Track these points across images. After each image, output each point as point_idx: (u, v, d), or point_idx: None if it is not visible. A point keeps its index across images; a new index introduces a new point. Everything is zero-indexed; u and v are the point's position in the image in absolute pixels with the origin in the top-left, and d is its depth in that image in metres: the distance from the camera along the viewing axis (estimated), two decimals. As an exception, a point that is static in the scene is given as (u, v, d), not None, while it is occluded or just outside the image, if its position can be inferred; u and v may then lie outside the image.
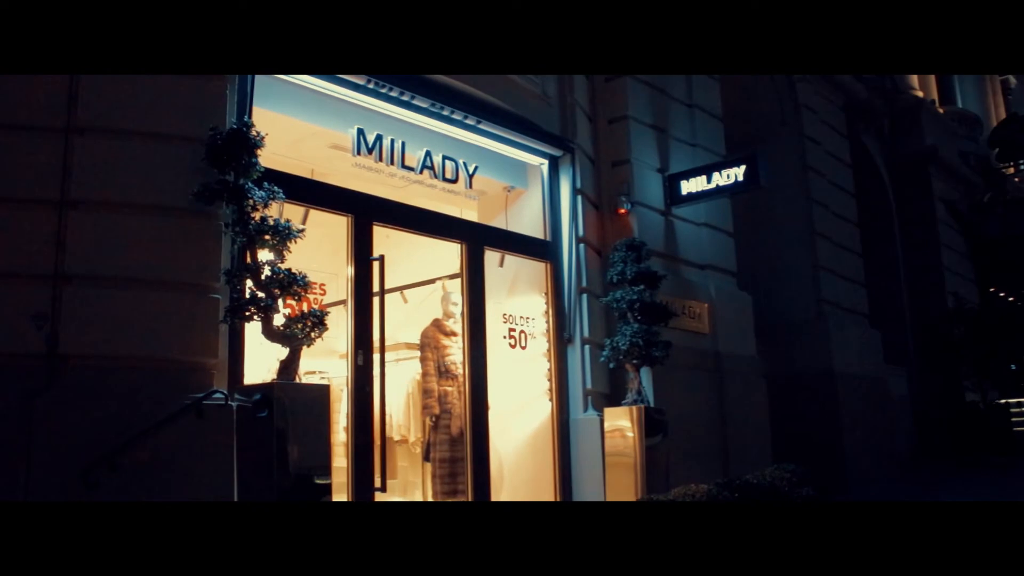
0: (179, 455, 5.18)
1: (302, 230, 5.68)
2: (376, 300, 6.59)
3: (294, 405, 5.29)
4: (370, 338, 6.50)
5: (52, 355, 5.20)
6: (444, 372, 7.82)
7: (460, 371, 7.72)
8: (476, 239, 7.54)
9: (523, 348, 7.93)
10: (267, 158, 6.26)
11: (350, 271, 6.54)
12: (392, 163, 6.99)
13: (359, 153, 6.78)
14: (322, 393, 5.51)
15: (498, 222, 8.34)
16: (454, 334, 7.86)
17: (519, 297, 8.23)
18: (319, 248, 7.16)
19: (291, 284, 5.49)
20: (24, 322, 5.16)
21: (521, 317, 7.97)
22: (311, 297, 6.43)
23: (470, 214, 8.24)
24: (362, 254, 6.58)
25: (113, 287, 5.35)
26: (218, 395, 5.37)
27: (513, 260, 8.21)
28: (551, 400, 7.97)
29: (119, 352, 5.29)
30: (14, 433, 5.00)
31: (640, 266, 7.95)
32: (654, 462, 7.47)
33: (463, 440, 7.61)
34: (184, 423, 5.21)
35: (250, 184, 5.49)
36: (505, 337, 7.84)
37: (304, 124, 6.61)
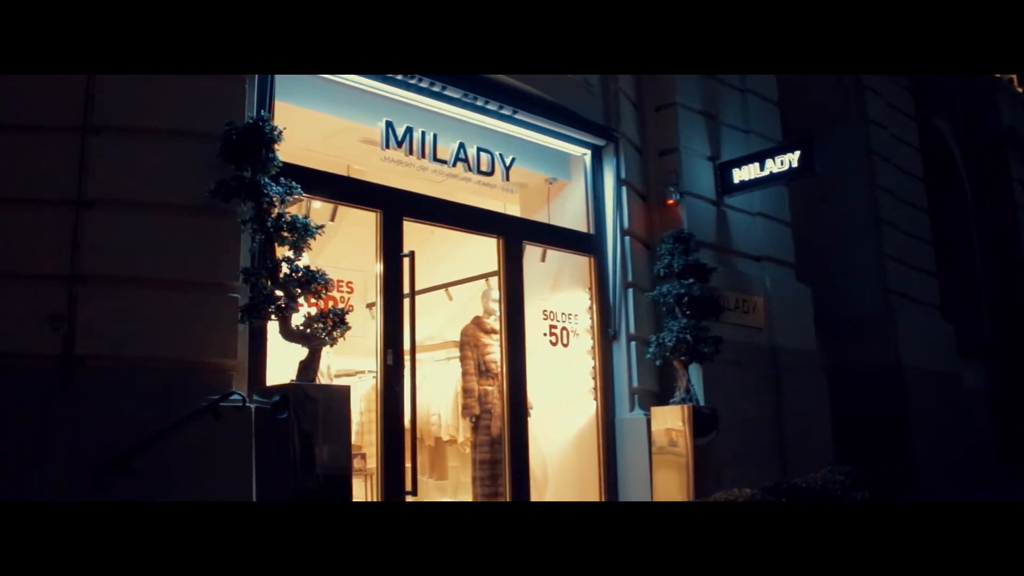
0: (196, 457, 5.02)
1: (321, 226, 5.49)
2: (406, 298, 6.38)
3: (313, 406, 5.10)
4: (400, 337, 6.28)
5: (68, 356, 5.11)
6: (484, 371, 7.58)
7: (500, 368, 7.48)
8: (513, 233, 7.27)
9: (565, 345, 7.64)
10: (295, 154, 6.13)
11: (379, 268, 6.34)
12: (423, 156, 6.76)
13: (388, 147, 6.56)
14: (343, 394, 5.30)
15: (540, 216, 8.07)
16: (495, 332, 7.61)
17: (562, 293, 7.94)
18: (352, 245, 7.00)
19: (309, 282, 5.30)
20: (40, 323, 5.06)
21: (563, 314, 7.67)
22: (337, 295, 6.24)
23: (510, 208, 7.98)
24: (392, 250, 6.36)
25: (128, 287, 5.22)
26: (235, 397, 5.20)
27: (555, 255, 7.93)
28: (596, 399, 7.67)
29: (135, 353, 5.15)
30: (29, 435, 4.90)
31: (688, 258, 7.59)
32: (704, 463, 7.11)
33: (499, 441, 7.38)
34: (200, 425, 5.05)
35: (267, 180, 5.32)
36: (545, 334, 7.56)
37: (332, 119, 6.42)
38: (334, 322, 5.36)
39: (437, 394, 8.96)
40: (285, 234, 5.30)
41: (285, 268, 5.29)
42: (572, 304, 7.85)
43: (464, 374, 7.65)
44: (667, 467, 7.21)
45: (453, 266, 8.40)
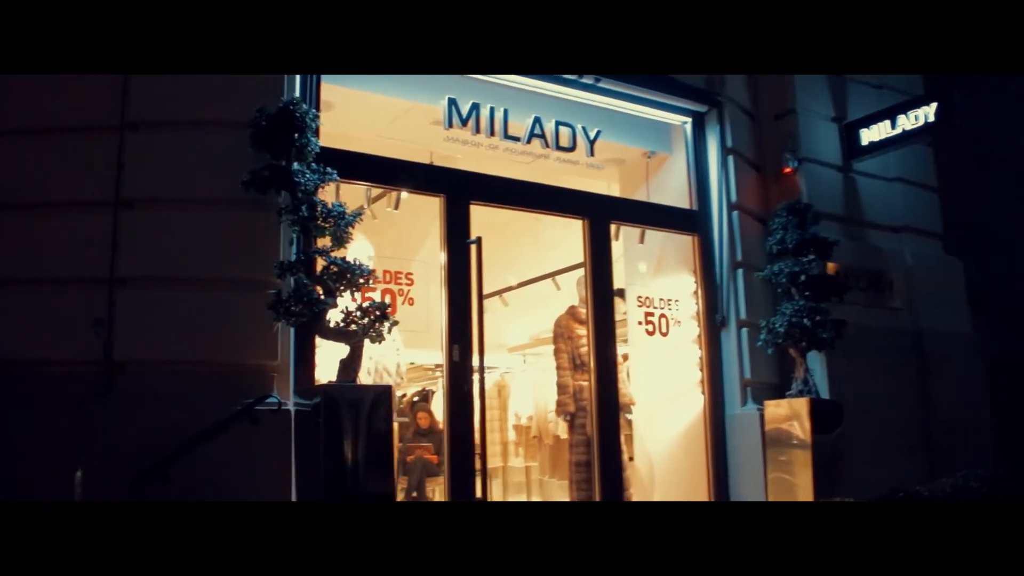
0: (232, 463, 4.73)
1: (359, 214, 5.09)
2: (474, 289, 5.88)
3: (346, 408, 4.71)
4: (468, 331, 5.80)
5: (108, 362, 4.95)
6: (580, 365, 6.99)
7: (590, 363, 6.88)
8: (600, 213, 6.63)
9: (664, 334, 6.92)
10: (350, 140, 5.79)
11: (443, 257, 5.89)
12: (492, 134, 6.25)
13: (451, 125, 6.09)
14: (384, 394, 4.87)
15: (640, 194, 7.38)
16: (647, 322, 7.02)
17: (664, 277, 7.24)
18: (422, 234, 6.60)
19: (344, 275, 4.91)
20: (80, 328, 4.93)
21: (661, 300, 6.95)
22: (395, 288, 5.83)
23: (601, 187, 7.35)
24: (457, 237, 5.89)
25: (166, 288, 5.01)
26: (271, 400, 4.88)
27: (657, 236, 7.25)
28: (703, 393, 6.92)
29: (174, 356, 4.93)
30: (68, 444, 4.76)
31: (804, 232, 6.70)
32: (825, 463, 6.24)
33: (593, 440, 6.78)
34: (237, 430, 4.76)
35: (300, 167, 4.96)
36: (640, 323, 6.87)
37: (390, 100, 6.02)
38: (375, 317, 4.95)
39: (542, 392, 8.52)
40: (320, 224, 4.94)
41: (321, 261, 4.94)
42: (674, 289, 7.12)
43: (558, 368, 7.09)
44: (784, 467, 6.38)
45: (562, 253, 7.90)
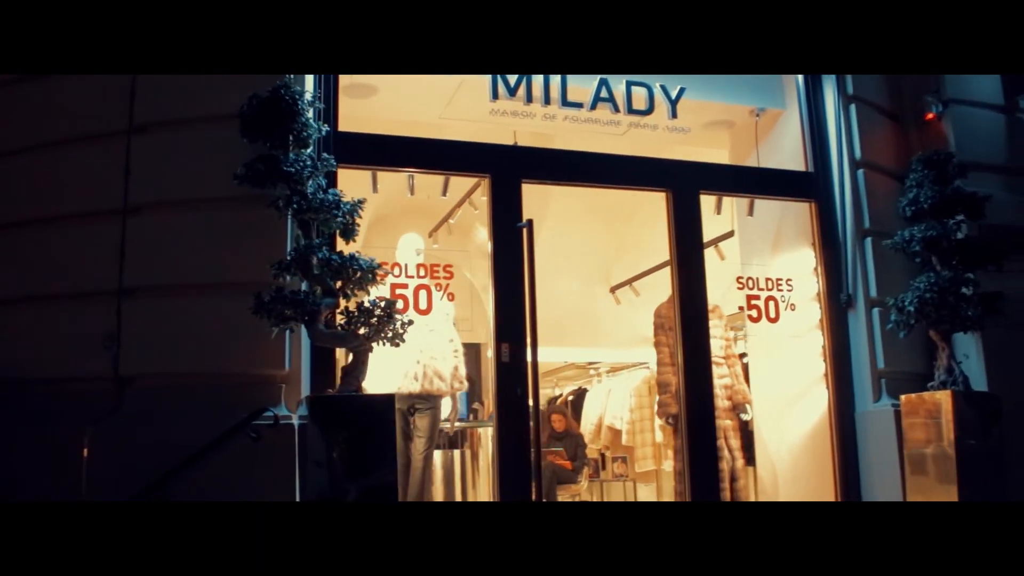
0: (233, 479, 4.35)
1: (361, 201, 4.59)
2: (526, 279, 5.21)
3: (340, 420, 4.22)
4: (521, 327, 5.14)
5: (116, 378, 4.74)
6: (683, 359, 6.14)
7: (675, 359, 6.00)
8: (684, 183, 5.71)
9: (772, 320, 5.89)
10: (399, 125, 5.38)
11: (489, 245, 5.27)
12: (548, 102, 5.53)
13: (497, 97, 5.45)
14: (385, 405, 4.33)
15: (752, 159, 6.39)
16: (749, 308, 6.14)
17: (783, 253, 6.21)
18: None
19: (342, 271, 4.41)
20: (88, 343, 4.76)
21: (768, 280, 5.92)
22: (431, 283, 5.26)
23: (700, 154, 6.42)
24: (505, 221, 5.25)
25: (171, 296, 4.73)
26: (268, 413, 4.46)
27: (771, 207, 6.24)
28: (828, 387, 5.84)
29: (179, 369, 4.64)
30: (79, 462, 4.58)
31: (945, 188, 5.48)
32: (976, 467, 5.04)
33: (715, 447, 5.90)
34: (238, 445, 4.40)
35: (294, 155, 4.52)
36: (743, 309, 5.89)
37: (438, 78, 5.46)
38: (380, 319, 4.41)
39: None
40: (313, 216, 4.48)
41: (318, 257, 4.46)
42: (789, 267, 6.08)
43: (658, 364, 6.27)
44: (925, 472, 5.22)
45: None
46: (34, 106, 5.11)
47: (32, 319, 4.91)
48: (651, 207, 6.95)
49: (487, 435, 8.23)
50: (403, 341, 4.55)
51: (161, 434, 4.46)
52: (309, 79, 4.99)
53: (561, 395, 10.33)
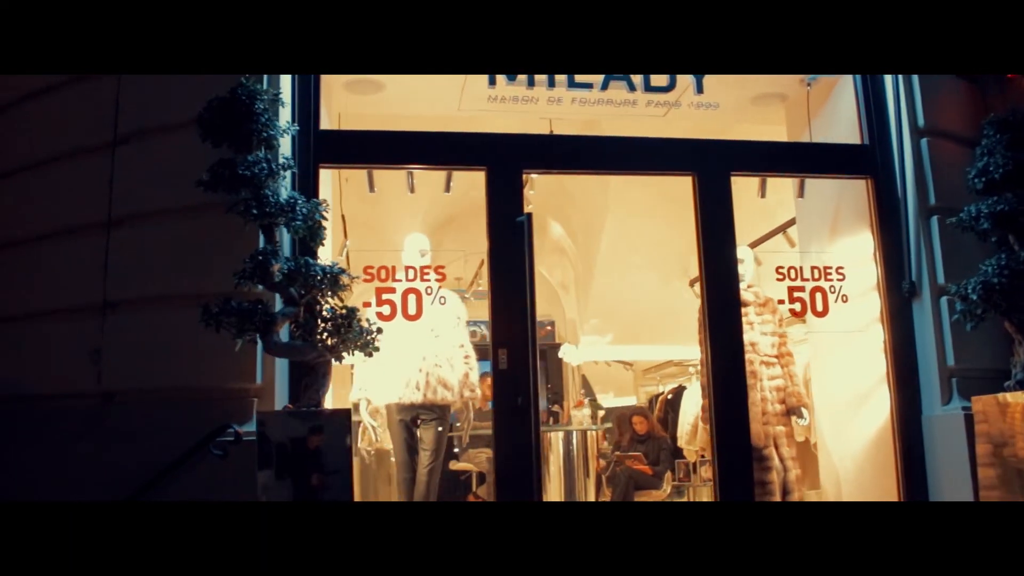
0: (201, 496, 4.19)
1: (319, 203, 4.30)
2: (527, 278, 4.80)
3: (295, 437, 3.95)
4: (520, 331, 4.72)
5: (101, 392, 4.67)
6: (735, 359, 5.55)
7: (753, 356, 5.41)
8: (711, 165, 5.10)
9: (819, 314, 5.18)
10: (409, 120, 5.12)
11: (487, 243, 4.88)
12: (553, 85, 5.08)
13: (494, 83, 5.05)
14: (341, 421, 4.02)
15: (805, 136, 5.70)
16: (744, 304, 5.53)
17: (842, 238, 5.50)
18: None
19: (295, 278, 4.13)
20: (73, 359, 4.71)
21: (815, 269, 5.21)
22: (421, 286, 4.88)
23: (749, 131, 5.78)
24: (503, 216, 4.85)
25: (149, 309, 4.61)
26: (231, 430, 4.25)
27: (828, 187, 5.57)
28: (890, 388, 5.09)
29: (157, 383, 4.51)
30: (65, 478, 4.54)
31: (1021, 154, 4.65)
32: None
33: (764, 456, 5.31)
34: (204, 462, 4.23)
35: (252, 157, 4.27)
36: (784, 302, 5.22)
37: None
38: (333, 329, 4.11)
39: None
40: (273, 220, 4.22)
41: (279, 265, 4.20)
42: (844, 253, 5.36)
43: (701, 366, 5.68)
44: (1002, 486, 4.43)
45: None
46: (23, 125, 5.13)
47: (29, 335, 4.93)
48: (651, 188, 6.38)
49: (557, 438, 7.88)
50: (374, 351, 4.25)
51: (138, 450, 4.36)
52: (286, 77, 4.77)
53: (662, 393, 9.82)
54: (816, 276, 5.16)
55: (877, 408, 5.14)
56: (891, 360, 5.07)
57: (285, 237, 4.52)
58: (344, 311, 4.16)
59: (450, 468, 8.56)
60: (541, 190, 7.98)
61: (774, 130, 6.00)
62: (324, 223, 4.35)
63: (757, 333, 5.55)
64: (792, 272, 5.15)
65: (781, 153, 5.36)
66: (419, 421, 5.21)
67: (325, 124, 5.27)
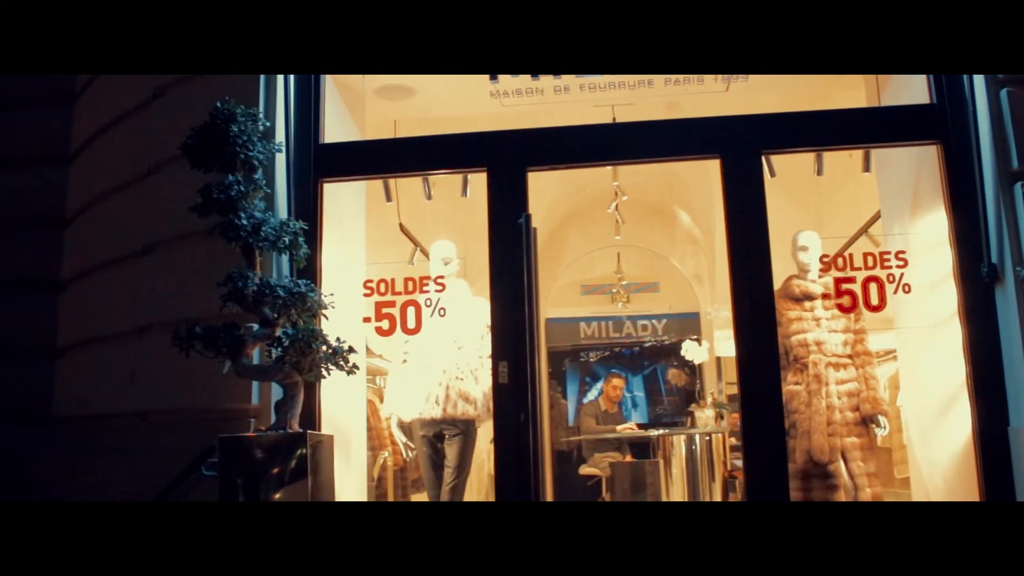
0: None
1: (284, 222, 4.22)
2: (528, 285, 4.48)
3: (253, 461, 3.92)
4: (521, 343, 4.42)
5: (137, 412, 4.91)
6: (793, 361, 4.93)
7: (818, 357, 4.78)
8: (740, 144, 4.49)
9: (874, 308, 4.41)
10: (432, 123, 5.08)
11: (487, 247, 4.61)
12: (559, 74, 4.70)
13: (496, 78, 4.76)
14: (291, 444, 3.92)
15: (886, 98, 4.93)
16: (807, 297, 4.90)
17: (923, 216, 4.69)
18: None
19: (261, 299, 4.07)
20: (115, 382, 4.99)
21: (870, 256, 4.44)
22: (421, 299, 4.64)
23: (822, 100, 5.06)
24: (505, 217, 4.56)
25: (164, 333, 4.76)
26: (212, 460, 4.27)
27: (904, 158, 4.79)
28: (969, 394, 4.25)
29: (175, 404, 4.67)
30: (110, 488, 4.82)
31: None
32: None
33: (828, 473, 4.67)
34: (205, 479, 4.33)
35: (229, 179, 4.28)
36: (831, 297, 4.49)
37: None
38: (300, 350, 4.03)
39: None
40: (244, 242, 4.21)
41: (252, 286, 4.17)
42: (927, 234, 4.56)
43: (764, 367, 5.06)
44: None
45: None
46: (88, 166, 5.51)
47: (89, 360, 5.29)
48: (836, 165, 5.69)
49: (679, 442, 7.41)
50: (352, 371, 4.16)
51: (164, 465, 4.53)
52: (280, 92, 4.75)
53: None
54: (870, 264, 4.42)
55: (960, 418, 4.32)
56: (969, 361, 4.23)
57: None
58: (307, 330, 4.08)
59: (579, 473, 8.33)
60: (656, 178, 7.54)
61: (853, 96, 5.22)
62: (299, 240, 4.27)
63: (824, 330, 4.85)
64: (839, 261, 4.45)
65: (820, 123, 4.60)
66: (442, 436, 5.03)
67: (355, 135, 5.24)
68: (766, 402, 4.29)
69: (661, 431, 7.85)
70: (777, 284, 5.02)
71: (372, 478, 6.62)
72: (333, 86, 5.04)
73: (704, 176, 7.42)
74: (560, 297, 9.97)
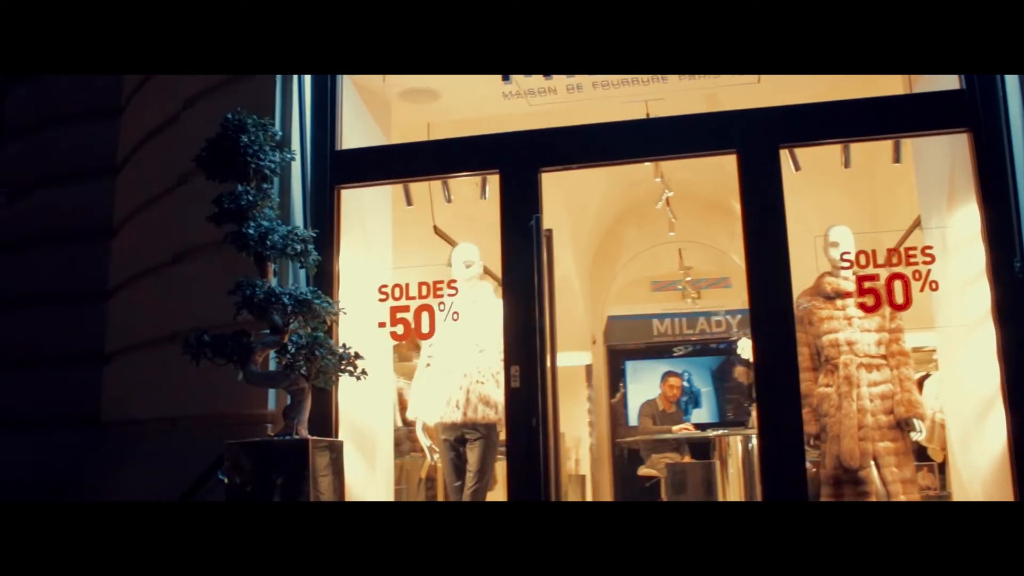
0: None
1: (292, 231, 4.25)
2: (545, 287, 4.44)
3: (257, 467, 3.97)
4: (532, 346, 4.37)
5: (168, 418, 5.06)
6: (824, 362, 4.73)
7: (850, 357, 4.58)
8: (756, 138, 4.32)
9: (898, 307, 4.18)
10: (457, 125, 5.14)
11: (500, 250, 4.56)
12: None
13: (508, 79, 4.70)
14: (291, 451, 3.95)
15: (919, 86, 4.67)
16: (840, 295, 4.70)
17: (960, 208, 4.43)
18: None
19: (266, 307, 4.11)
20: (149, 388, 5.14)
21: (894, 253, 4.20)
22: (434, 303, 4.59)
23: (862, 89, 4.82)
24: (517, 220, 4.51)
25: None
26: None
27: (937, 148, 4.54)
28: (1003, 401, 3.99)
29: (200, 411, 4.80)
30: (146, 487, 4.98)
31: None
32: None
33: (859, 479, 4.48)
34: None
35: (240, 189, 4.34)
36: (852, 296, 4.28)
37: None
38: (307, 356, 4.06)
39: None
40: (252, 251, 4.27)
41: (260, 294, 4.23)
42: (963, 227, 4.31)
43: (800, 371, 4.87)
44: None
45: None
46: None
47: (131, 365, 5.47)
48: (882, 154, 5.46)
49: (735, 442, 7.25)
50: (361, 375, 4.20)
51: (191, 467, 4.66)
52: (307, 99, 4.81)
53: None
54: (895, 261, 4.19)
55: (996, 427, 4.07)
56: (1003, 361, 3.97)
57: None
58: (312, 338, 4.11)
59: (637, 474, 8.20)
60: (705, 173, 7.36)
61: (891, 83, 4.96)
62: (308, 248, 4.31)
63: (856, 330, 4.63)
64: (862, 258, 4.24)
65: (840, 113, 4.37)
66: (466, 441, 5.00)
67: (379, 139, 5.26)
68: (782, 402, 4.14)
69: (719, 431, 7.68)
70: (810, 282, 4.89)
71: (420, 479, 6.67)
72: (354, 92, 5.06)
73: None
74: (629, 294, 9.82)
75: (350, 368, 4.19)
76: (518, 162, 4.54)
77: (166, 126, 5.45)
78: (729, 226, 8.72)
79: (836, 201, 6.62)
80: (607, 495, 8.40)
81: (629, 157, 4.66)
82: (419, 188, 5.40)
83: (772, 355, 4.19)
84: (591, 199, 8.20)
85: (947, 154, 4.49)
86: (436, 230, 6.02)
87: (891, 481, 4.46)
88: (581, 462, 8.77)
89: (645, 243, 8.88)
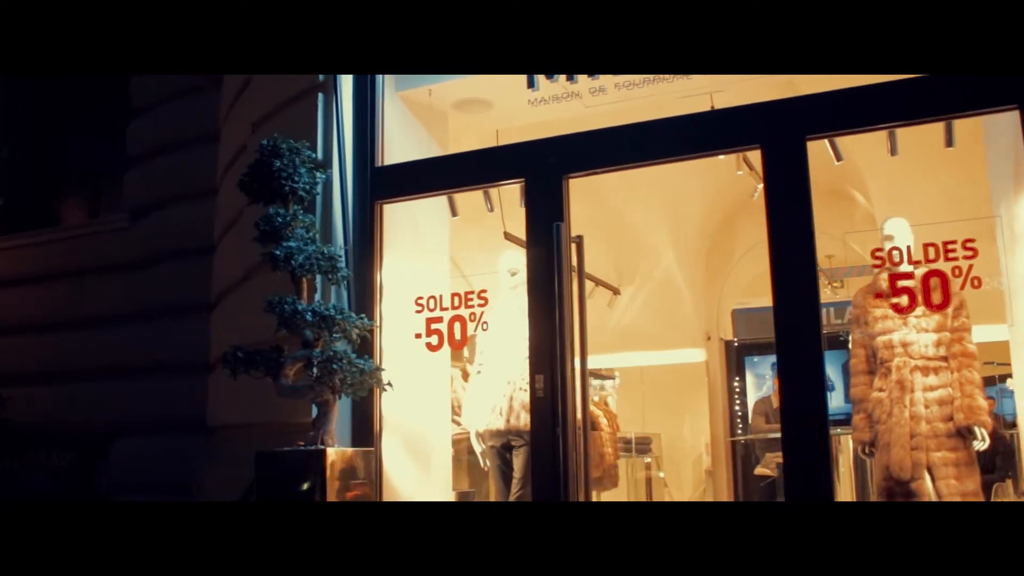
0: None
1: (318, 250, 4.41)
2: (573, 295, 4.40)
3: (280, 475, 4.19)
4: (554, 356, 4.33)
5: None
6: (880, 363, 4.41)
7: (904, 360, 4.27)
8: (782, 131, 4.05)
9: (935, 307, 3.79)
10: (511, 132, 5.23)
11: (524, 259, 4.55)
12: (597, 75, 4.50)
13: (533, 85, 4.65)
14: (307, 460, 4.11)
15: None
16: (894, 293, 4.36)
17: (1020, 195, 4.00)
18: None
19: (291, 323, 4.30)
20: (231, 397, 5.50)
21: (931, 247, 3.81)
22: (466, 313, 4.57)
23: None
24: (543, 227, 4.47)
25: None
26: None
27: (999, 126, 4.11)
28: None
29: (259, 419, 5.09)
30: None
31: None
32: None
33: (910, 492, 4.17)
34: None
35: (272, 211, 4.56)
36: (885, 296, 3.91)
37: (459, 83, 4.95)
38: (326, 371, 4.22)
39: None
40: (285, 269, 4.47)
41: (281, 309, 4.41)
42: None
43: (852, 374, 4.56)
44: None
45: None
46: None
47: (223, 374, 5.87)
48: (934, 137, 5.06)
49: (846, 440, 6.86)
50: (387, 388, 4.35)
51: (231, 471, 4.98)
52: (346, 118, 4.97)
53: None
54: (932, 256, 3.82)
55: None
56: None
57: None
58: (332, 351, 4.26)
59: (754, 473, 7.90)
60: (815, 159, 6.97)
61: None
62: (336, 264, 4.46)
63: (912, 330, 4.26)
64: (895, 254, 3.89)
65: (867, 98, 3.99)
66: (512, 447, 5.00)
67: (435, 151, 5.35)
68: (806, 399, 3.88)
69: (835, 431, 7.26)
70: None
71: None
72: (403, 107, 5.18)
73: (874, 154, 6.78)
74: (759, 286, 9.42)
75: (374, 382, 4.32)
76: (541, 170, 4.50)
77: (241, 151, 5.79)
78: (848, 213, 8.22)
79: (944, 185, 6.10)
80: (725, 495, 8.14)
81: (650, 159, 4.46)
82: (476, 196, 5.48)
83: (806, 372, 3.92)
84: (684, 200, 8.02)
85: (1014, 133, 4.04)
86: (507, 235, 6.04)
87: (947, 495, 4.07)
88: (701, 459, 8.57)
89: (758, 235, 8.49)
